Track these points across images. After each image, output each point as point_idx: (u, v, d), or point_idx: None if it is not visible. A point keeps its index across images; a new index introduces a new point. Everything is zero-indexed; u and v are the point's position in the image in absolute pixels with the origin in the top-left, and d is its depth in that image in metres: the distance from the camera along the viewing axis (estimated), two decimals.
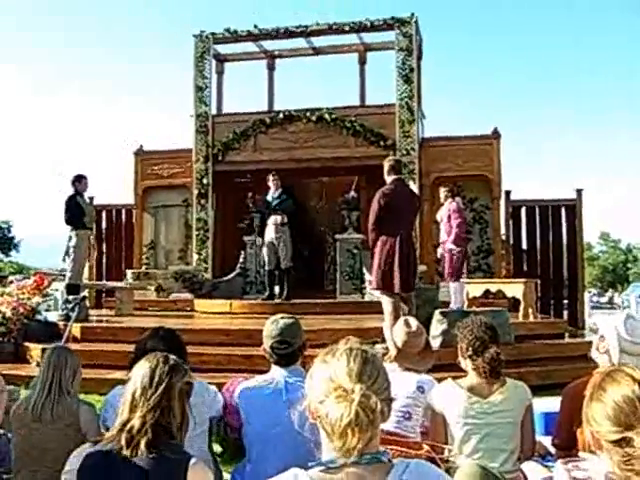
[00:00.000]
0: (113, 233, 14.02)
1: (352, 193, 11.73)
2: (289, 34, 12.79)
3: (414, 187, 11.04)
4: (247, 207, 12.05)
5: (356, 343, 1.58)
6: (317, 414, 1.47)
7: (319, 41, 13.31)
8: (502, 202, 12.31)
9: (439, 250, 8.87)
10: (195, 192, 12.84)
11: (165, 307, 11.34)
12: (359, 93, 13.83)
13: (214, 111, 13.29)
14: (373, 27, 12.41)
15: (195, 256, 12.74)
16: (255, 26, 12.84)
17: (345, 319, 8.76)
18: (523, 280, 9.24)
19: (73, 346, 6.48)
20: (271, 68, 14.26)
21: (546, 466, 2.87)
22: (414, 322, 3.75)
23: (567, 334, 9.12)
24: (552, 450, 3.04)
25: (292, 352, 2.95)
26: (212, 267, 12.66)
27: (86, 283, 10.53)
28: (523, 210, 12.79)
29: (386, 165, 6.67)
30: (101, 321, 9.07)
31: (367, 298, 10.52)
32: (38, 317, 8.65)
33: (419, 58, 12.72)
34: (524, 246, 12.85)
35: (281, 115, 12.59)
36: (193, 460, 1.93)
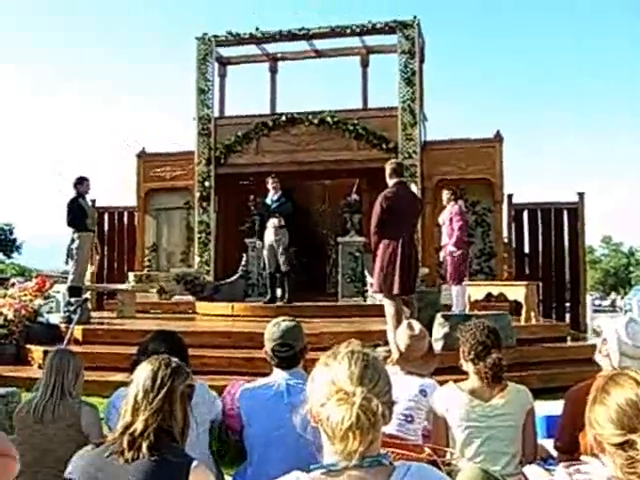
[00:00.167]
0: (115, 235, 14.04)
1: (354, 196, 11.74)
2: (291, 37, 12.81)
3: (415, 189, 11.04)
4: (249, 210, 12.07)
5: (358, 346, 1.58)
6: (318, 417, 1.47)
7: (321, 44, 13.35)
8: (504, 205, 12.31)
9: (441, 253, 8.87)
10: (197, 195, 12.85)
11: (167, 309, 11.35)
12: (361, 96, 13.85)
13: (216, 114, 13.31)
14: (375, 30, 12.42)
15: (197, 259, 12.74)
16: (257, 29, 12.87)
17: (347, 322, 8.77)
18: (525, 283, 9.23)
19: (75, 348, 6.50)
20: (273, 71, 14.30)
21: (548, 470, 2.86)
22: (417, 325, 3.75)
23: (569, 337, 9.11)
24: (554, 453, 3.04)
25: (293, 355, 2.95)
26: (214, 270, 12.67)
27: (88, 285, 10.53)
28: (525, 213, 12.79)
29: (388, 168, 6.67)
30: (103, 323, 9.08)
31: (369, 301, 10.52)
32: (40, 319, 8.67)
33: (421, 61, 12.73)
34: (526, 249, 12.84)
35: (283, 118, 12.60)
36: (195, 463, 1.92)
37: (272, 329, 3.00)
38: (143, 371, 2.05)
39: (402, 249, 6.35)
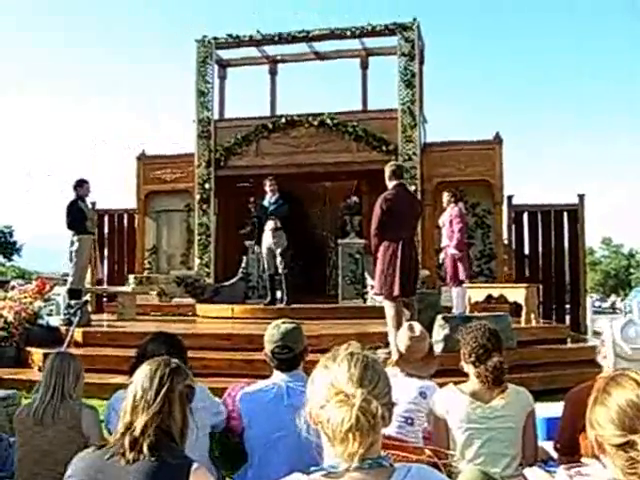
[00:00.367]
0: (115, 238, 14.05)
1: (354, 198, 11.75)
2: (291, 39, 12.81)
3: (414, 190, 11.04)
4: (249, 212, 12.07)
5: (357, 348, 1.58)
6: (318, 419, 1.47)
7: (321, 46, 13.34)
8: (504, 207, 12.31)
9: (441, 255, 8.87)
10: (197, 197, 12.85)
11: (167, 312, 11.34)
12: (361, 98, 13.85)
13: (216, 116, 13.32)
14: (375, 32, 12.42)
15: (197, 261, 12.74)
16: (257, 31, 12.88)
17: (347, 324, 8.76)
18: (525, 285, 9.23)
19: (75, 351, 6.50)
20: (273, 73, 14.31)
21: (548, 471, 2.86)
22: (418, 327, 3.75)
23: (569, 339, 9.10)
24: (554, 455, 3.03)
25: (293, 357, 2.95)
26: (214, 272, 12.66)
27: (88, 288, 10.53)
28: (525, 215, 12.79)
29: (388, 170, 6.67)
30: (103, 326, 9.07)
31: (369, 303, 10.52)
32: (40, 322, 8.66)
33: (421, 63, 12.73)
34: (526, 251, 12.84)
35: (283, 120, 12.61)
36: (195, 465, 1.92)
37: (272, 331, 3.00)
38: (142, 372, 2.05)
39: (402, 251, 6.35)
